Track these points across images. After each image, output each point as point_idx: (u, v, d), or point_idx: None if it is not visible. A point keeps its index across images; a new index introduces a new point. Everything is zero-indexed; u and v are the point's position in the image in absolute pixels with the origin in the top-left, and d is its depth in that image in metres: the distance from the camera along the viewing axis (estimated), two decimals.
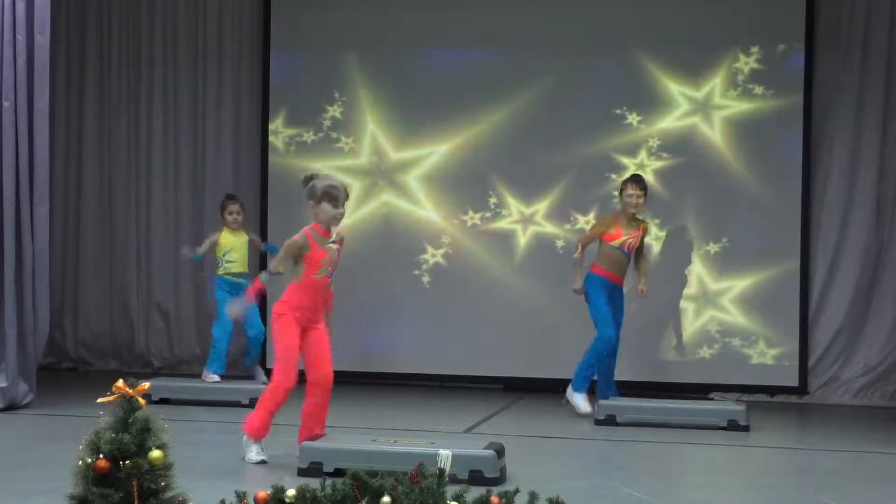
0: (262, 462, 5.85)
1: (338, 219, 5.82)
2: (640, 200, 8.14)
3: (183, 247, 9.31)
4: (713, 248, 9.42)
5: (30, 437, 6.82)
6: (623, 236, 8.09)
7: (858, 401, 9.20)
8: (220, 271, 8.94)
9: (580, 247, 8.23)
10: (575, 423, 7.74)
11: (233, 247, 8.94)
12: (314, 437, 5.82)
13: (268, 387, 6.00)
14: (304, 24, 10.13)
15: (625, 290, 8.35)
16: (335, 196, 5.75)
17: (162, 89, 10.46)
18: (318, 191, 5.76)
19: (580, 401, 8.01)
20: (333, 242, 5.87)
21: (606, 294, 8.10)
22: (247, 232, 9.11)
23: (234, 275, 8.90)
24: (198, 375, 9.03)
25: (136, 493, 3.43)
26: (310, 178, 5.87)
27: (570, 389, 8.12)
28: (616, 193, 8.71)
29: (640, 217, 8.32)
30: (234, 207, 9.01)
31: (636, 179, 8.27)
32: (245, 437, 5.96)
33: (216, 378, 8.65)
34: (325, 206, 5.75)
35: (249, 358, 9.10)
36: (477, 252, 9.74)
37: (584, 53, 9.68)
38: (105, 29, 10.57)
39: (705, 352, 9.40)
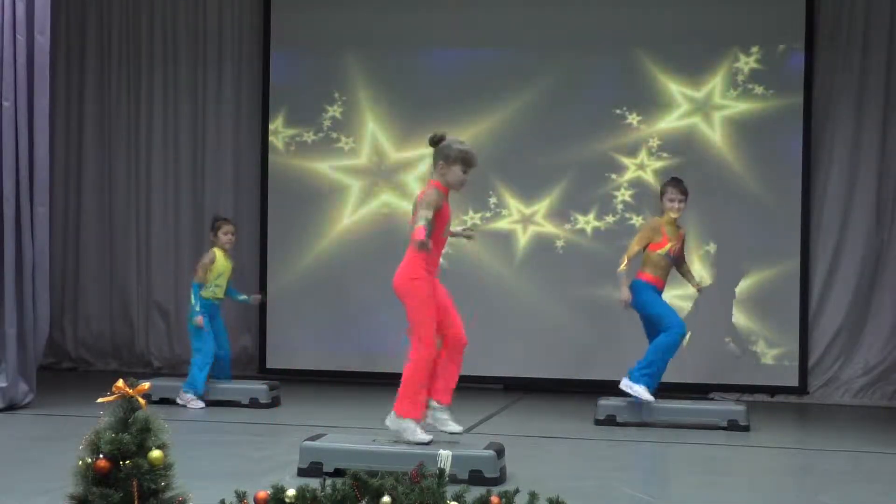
0: (430, 441, 5.59)
1: (464, 184, 5.78)
2: (682, 206, 7.82)
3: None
4: (713, 248, 9.42)
5: (30, 437, 6.81)
6: (669, 243, 7.82)
7: (858, 401, 9.20)
8: (206, 294, 8.25)
9: (627, 259, 7.82)
10: (575, 423, 7.74)
11: (223, 271, 8.32)
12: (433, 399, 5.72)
13: (411, 365, 5.65)
14: (304, 24, 10.13)
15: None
16: (469, 161, 5.74)
17: (162, 89, 10.46)
18: (454, 152, 5.71)
19: (643, 391, 7.69)
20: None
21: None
22: (232, 258, 8.54)
23: (217, 299, 8.33)
24: None
25: (136, 493, 3.43)
26: (440, 138, 5.76)
27: (626, 381, 7.76)
28: (617, 194, 8.69)
29: (679, 224, 8.00)
30: (229, 227, 8.42)
31: (676, 183, 7.92)
32: (405, 421, 5.62)
33: (201, 404, 8.14)
34: (457, 169, 5.70)
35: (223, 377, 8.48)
36: (477, 252, 9.74)
37: (584, 53, 9.68)
38: (105, 29, 10.58)
39: (705, 352, 9.39)
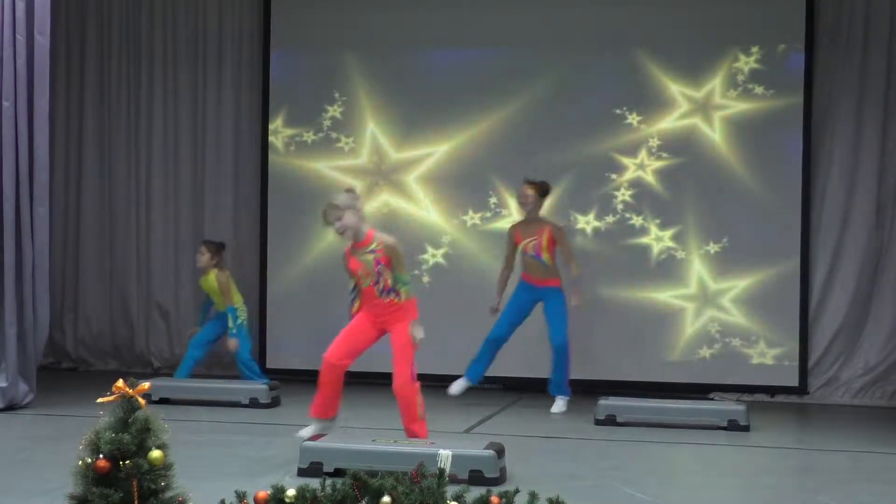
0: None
1: (337, 233, 6.22)
2: (527, 199, 8.40)
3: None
4: (713, 248, 9.42)
5: (30, 437, 6.82)
6: (522, 241, 8.42)
7: (858, 401, 9.20)
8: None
9: (504, 261, 8.67)
10: (575, 423, 7.74)
11: (206, 291, 9.12)
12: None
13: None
14: (304, 24, 10.13)
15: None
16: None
17: (162, 89, 10.46)
18: None
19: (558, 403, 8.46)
20: (371, 252, 6.01)
21: (522, 296, 8.50)
22: (212, 273, 8.99)
23: (217, 314, 9.08)
24: (198, 375, 9.03)
25: (136, 493, 3.43)
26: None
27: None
28: (617, 194, 8.66)
29: (545, 219, 8.51)
30: (200, 249, 9.13)
31: (522, 184, 8.54)
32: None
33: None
34: None
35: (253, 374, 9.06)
36: (477, 252, 9.74)
37: (584, 53, 9.68)
38: (105, 29, 10.57)
39: (705, 352, 9.39)
